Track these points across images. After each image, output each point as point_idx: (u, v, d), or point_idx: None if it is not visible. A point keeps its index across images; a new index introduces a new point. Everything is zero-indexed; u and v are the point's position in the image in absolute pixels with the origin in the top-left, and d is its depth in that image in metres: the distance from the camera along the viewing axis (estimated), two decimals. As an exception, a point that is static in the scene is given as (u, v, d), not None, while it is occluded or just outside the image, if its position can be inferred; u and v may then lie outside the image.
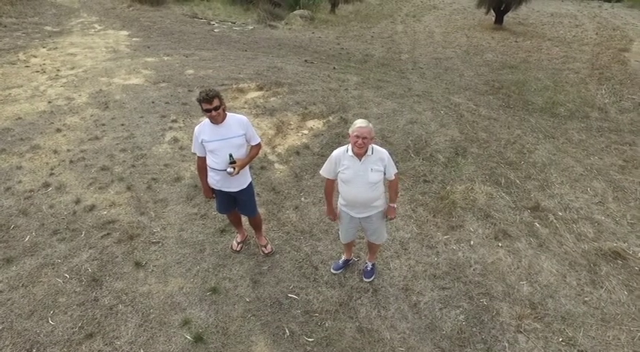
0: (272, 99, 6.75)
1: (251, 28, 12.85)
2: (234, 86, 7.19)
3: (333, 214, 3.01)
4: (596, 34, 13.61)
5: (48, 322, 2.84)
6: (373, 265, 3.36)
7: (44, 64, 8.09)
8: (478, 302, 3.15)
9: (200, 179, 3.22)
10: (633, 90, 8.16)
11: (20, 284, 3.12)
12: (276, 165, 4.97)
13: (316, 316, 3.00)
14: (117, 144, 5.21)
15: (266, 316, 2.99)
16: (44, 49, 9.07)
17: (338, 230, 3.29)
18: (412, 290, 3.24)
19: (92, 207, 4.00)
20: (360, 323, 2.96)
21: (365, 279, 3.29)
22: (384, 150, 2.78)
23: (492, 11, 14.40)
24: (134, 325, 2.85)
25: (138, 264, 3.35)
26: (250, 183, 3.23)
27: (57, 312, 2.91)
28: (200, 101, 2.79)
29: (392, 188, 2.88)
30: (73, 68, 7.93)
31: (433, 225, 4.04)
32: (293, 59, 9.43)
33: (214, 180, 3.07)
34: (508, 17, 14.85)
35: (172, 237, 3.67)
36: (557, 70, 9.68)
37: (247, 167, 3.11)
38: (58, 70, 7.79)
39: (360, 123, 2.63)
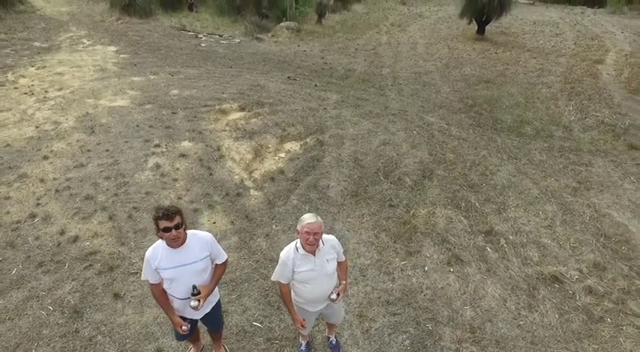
0: (253, 120, 7.06)
1: (238, 41, 13.13)
2: (217, 107, 7.49)
3: (300, 322, 2.72)
4: (575, 43, 14.00)
5: (32, 353, 3.15)
6: (336, 337, 3.32)
7: (32, 85, 8.34)
8: (424, 327, 3.50)
9: (163, 308, 2.65)
10: (599, 106, 8.56)
11: (7, 318, 3.43)
12: (252, 191, 5.28)
13: (277, 343, 3.33)
14: (101, 171, 5.50)
15: (231, 344, 3.32)
16: (33, 68, 9.30)
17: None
18: (366, 317, 3.58)
19: (76, 238, 4.30)
20: (315, 350, 3.30)
21: None
22: (331, 236, 2.74)
23: (474, 21, 14.76)
24: (111, 355, 3.17)
25: (117, 295, 3.66)
26: (218, 301, 2.85)
27: (41, 344, 3.22)
28: (157, 219, 2.36)
29: (342, 268, 2.82)
30: (60, 89, 8.18)
31: (393, 251, 4.38)
32: (276, 76, 9.73)
33: (173, 306, 2.66)
34: (491, 26, 15.20)
35: (149, 268, 3.98)
36: (531, 84, 10.05)
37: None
38: (46, 92, 8.04)
39: (308, 218, 2.50)
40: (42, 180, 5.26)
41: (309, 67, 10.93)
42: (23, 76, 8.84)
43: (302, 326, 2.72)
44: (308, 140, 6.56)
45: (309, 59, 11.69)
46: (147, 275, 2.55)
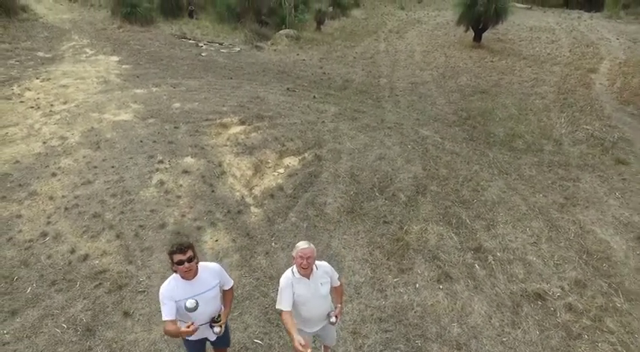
0: (252, 134, 7.29)
1: (238, 49, 13.35)
2: (218, 121, 7.72)
3: (304, 345, 2.76)
4: (570, 51, 14.22)
5: (50, 370, 3.40)
6: None
7: (38, 99, 8.56)
8: (413, 343, 3.75)
9: (179, 336, 2.79)
10: (590, 118, 8.79)
11: (24, 336, 3.67)
12: (252, 209, 5.52)
13: (276, 359, 3.58)
14: (107, 188, 5.73)
15: (234, 360, 3.57)
16: (37, 81, 9.52)
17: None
18: (359, 334, 3.82)
19: (85, 257, 4.55)
20: (312, 365, 3.54)
21: None
22: (324, 262, 3.02)
23: (471, 29, 14.98)
24: (122, 372, 3.42)
25: (126, 314, 3.91)
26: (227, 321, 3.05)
27: (57, 361, 3.47)
28: (172, 253, 2.62)
29: (338, 292, 3.10)
30: (65, 103, 8.40)
31: (386, 268, 4.63)
32: (276, 87, 9.96)
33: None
34: (488, 33, 15.41)
35: (156, 286, 4.19)
36: (525, 94, 10.28)
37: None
38: (52, 105, 8.27)
39: (302, 245, 2.81)
40: (51, 198, 5.50)
41: (308, 77, 11.16)
42: (29, 89, 9.06)
43: (306, 346, 2.91)
44: (306, 155, 6.79)
45: (308, 69, 11.91)
46: (166, 315, 2.66)
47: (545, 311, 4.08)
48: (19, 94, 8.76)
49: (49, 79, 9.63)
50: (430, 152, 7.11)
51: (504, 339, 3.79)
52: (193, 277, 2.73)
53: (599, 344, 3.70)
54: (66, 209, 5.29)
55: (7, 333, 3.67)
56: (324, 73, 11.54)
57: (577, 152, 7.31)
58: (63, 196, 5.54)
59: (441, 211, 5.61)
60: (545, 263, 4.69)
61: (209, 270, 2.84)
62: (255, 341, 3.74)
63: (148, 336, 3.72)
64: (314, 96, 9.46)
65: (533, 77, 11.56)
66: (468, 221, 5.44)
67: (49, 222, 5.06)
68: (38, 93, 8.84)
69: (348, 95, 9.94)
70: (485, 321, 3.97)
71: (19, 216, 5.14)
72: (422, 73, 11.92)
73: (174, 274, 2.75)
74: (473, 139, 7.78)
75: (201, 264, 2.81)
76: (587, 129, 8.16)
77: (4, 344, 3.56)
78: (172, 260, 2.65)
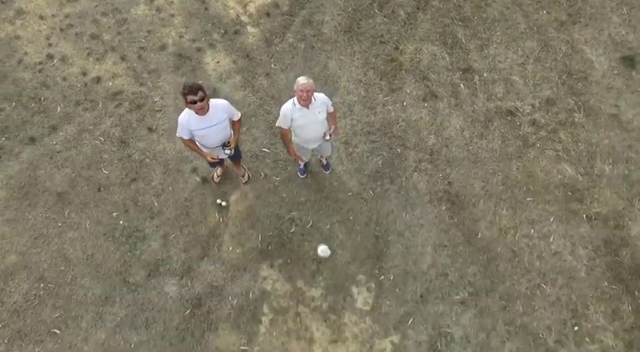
0: None
1: None
2: None
3: (295, 154, 3.73)
4: None
5: (102, 171, 4.27)
6: (327, 160, 4.32)
7: None
8: (395, 151, 4.54)
9: (197, 151, 3.52)
10: None
11: (71, 146, 4.40)
12: (249, 28, 5.46)
13: (281, 163, 4.44)
14: (96, 5, 5.48)
15: (247, 164, 4.42)
16: None
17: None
18: (350, 144, 4.57)
19: (99, 79, 4.87)
20: (311, 168, 4.42)
21: (325, 172, 4.35)
22: (322, 94, 3.47)
23: None
24: (160, 172, 4.30)
25: (150, 129, 4.55)
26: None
27: (106, 165, 4.31)
28: (185, 94, 2.99)
29: (332, 117, 3.65)
30: None
31: (378, 88, 5.03)
32: None
33: (205, 151, 3.46)
34: None
35: (171, 105, 4.73)
36: None
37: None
38: None
39: (302, 80, 3.22)
40: (41, 17, 5.35)
41: None
42: None
43: (297, 156, 3.76)
44: (302, -38, 6.13)
45: None
46: (182, 134, 3.34)
47: (512, 125, 4.72)
48: None
49: None
50: (440, -43, 6.36)
51: (470, 147, 4.57)
52: (205, 113, 3.17)
53: (546, 151, 4.50)
54: (61, 29, 5.24)
55: (56, 144, 4.40)
56: None
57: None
58: (53, 15, 5.37)
59: (439, 30, 5.56)
60: (525, 83, 5.06)
61: (219, 106, 3.28)
62: (263, 149, 4.52)
63: (174, 146, 4.47)
64: None
65: None
66: (463, 40, 5.48)
67: (50, 44, 5.12)
68: None
69: None
70: (458, 134, 4.67)
71: (18, 37, 5.16)
72: None
73: (187, 109, 3.17)
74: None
75: (211, 100, 3.21)
76: None
77: (58, 152, 4.34)
78: (186, 100, 3.03)
